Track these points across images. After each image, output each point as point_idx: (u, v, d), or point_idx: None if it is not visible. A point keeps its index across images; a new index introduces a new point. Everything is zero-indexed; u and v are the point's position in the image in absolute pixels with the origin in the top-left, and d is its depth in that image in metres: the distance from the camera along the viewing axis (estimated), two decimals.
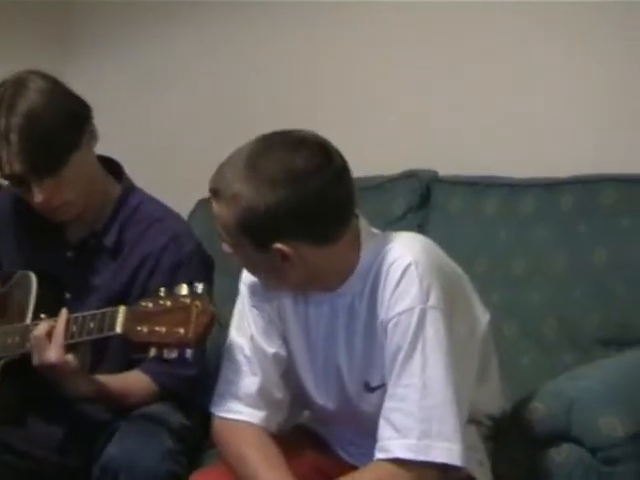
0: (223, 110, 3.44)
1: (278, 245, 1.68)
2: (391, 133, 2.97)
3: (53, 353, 1.92)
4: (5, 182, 2.15)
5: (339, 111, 3.06)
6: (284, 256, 1.69)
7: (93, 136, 2.15)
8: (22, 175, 2.04)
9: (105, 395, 2.04)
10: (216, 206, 1.74)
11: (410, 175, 2.73)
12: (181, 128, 3.58)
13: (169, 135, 3.61)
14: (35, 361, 1.96)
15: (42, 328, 1.96)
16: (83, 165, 2.11)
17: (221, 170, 1.74)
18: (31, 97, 2.04)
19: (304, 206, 1.66)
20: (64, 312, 1.96)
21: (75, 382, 1.98)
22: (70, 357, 1.93)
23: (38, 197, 2.06)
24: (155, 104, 3.65)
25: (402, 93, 2.96)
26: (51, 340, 1.94)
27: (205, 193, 2.92)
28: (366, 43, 3.06)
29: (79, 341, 1.93)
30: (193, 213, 3.11)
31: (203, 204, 3.03)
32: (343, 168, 1.73)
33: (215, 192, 1.73)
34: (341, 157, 1.73)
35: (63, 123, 2.05)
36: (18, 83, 2.07)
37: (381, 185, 2.74)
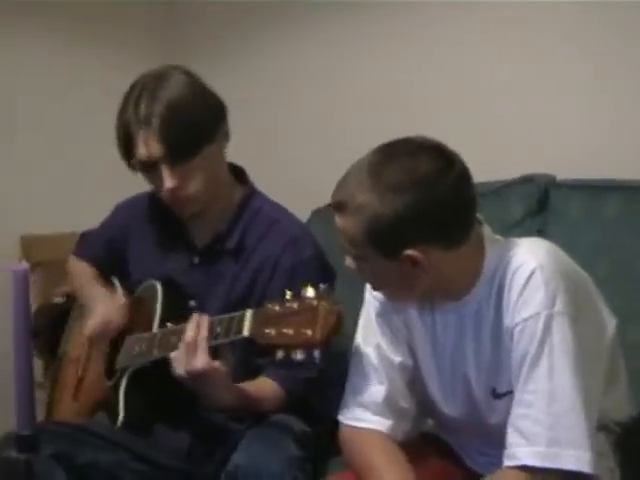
0: (339, 120, 3.45)
1: (408, 251, 1.68)
2: (507, 138, 2.95)
3: (200, 360, 1.89)
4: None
5: (455, 117, 3.04)
6: (414, 262, 1.69)
7: (226, 135, 2.19)
8: (157, 159, 2.08)
9: (245, 404, 2.03)
10: (340, 220, 1.74)
11: (527, 180, 2.71)
12: (297, 138, 3.62)
13: (284, 145, 3.65)
14: (180, 370, 1.92)
15: (189, 335, 1.91)
16: (213, 160, 2.15)
17: (343, 183, 1.74)
18: (172, 89, 2.09)
19: (431, 210, 1.66)
20: (204, 316, 1.95)
21: (219, 390, 1.95)
22: (217, 363, 1.90)
23: (168, 182, 2.09)
24: (270, 113, 3.70)
25: (518, 98, 2.94)
26: (195, 347, 1.90)
27: (319, 203, 2.99)
28: (483, 48, 3.04)
29: (214, 345, 1.92)
30: (308, 223, 3.10)
31: (318, 214, 3.05)
32: (464, 170, 1.73)
33: (339, 205, 1.73)
34: (461, 160, 1.74)
35: (201, 116, 2.10)
36: (160, 76, 2.13)
37: (498, 190, 2.71)
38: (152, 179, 2.16)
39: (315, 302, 1.72)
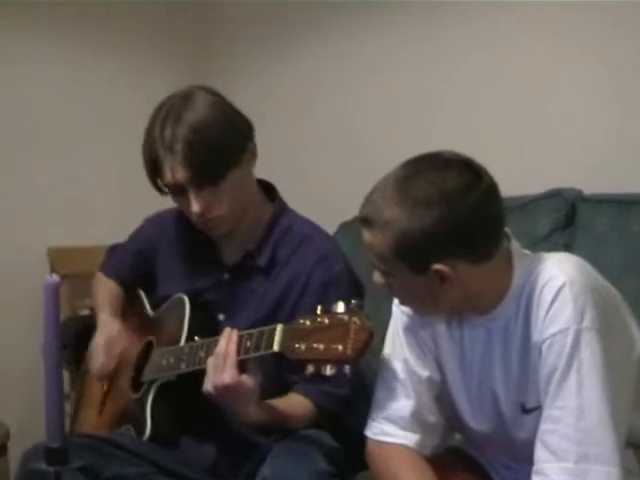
0: (366, 133, 3.45)
1: (437, 266, 1.68)
2: (534, 152, 2.95)
3: (227, 374, 1.88)
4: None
5: (481, 131, 3.04)
6: (442, 277, 1.69)
7: (253, 155, 2.18)
8: (183, 184, 2.08)
9: (274, 420, 2.02)
10: (368, 235, 1.73)
11: (555, 194, 2.70)
12: (323, 151, 3.62)
13: (310, 158, 3.64)
14: (208, 386, 1.92)
15: (219, 349, 1.91)
16: (241, 181, 2.14)
17: (370, 198, 1.74)
18: (198, 110, 2.08)
19: (459, 224, 1.66)
20: (234, 331, 1.94)
21: (248, 406, 1.95)
22: (245, 377, 1.90)
23: (195, 206, 2.10)
24: (296, 126, 3.70)
25: (545, 111, 2.93)
26: (225, 361, 1.90)
27: (347, 217, 2.99)
28: (508, 59, 3.04)
29: (243, 359, 1.91)
30: (335, 237, 3.09)
31: (345, 227, 3.06)
32: (492, 185, 1.73)
33: (366, 221, 1.73)
34: (489, 175, 1.73)
35: (227, 138, 2.09)
36: (186, 96, 2.12)
37: (525, 205, 2.70)
38: (180, 202, 2.17)
39: (346, 317, 1.72)
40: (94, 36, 3.71)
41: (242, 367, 1.91)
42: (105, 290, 2.51)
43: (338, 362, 1.72)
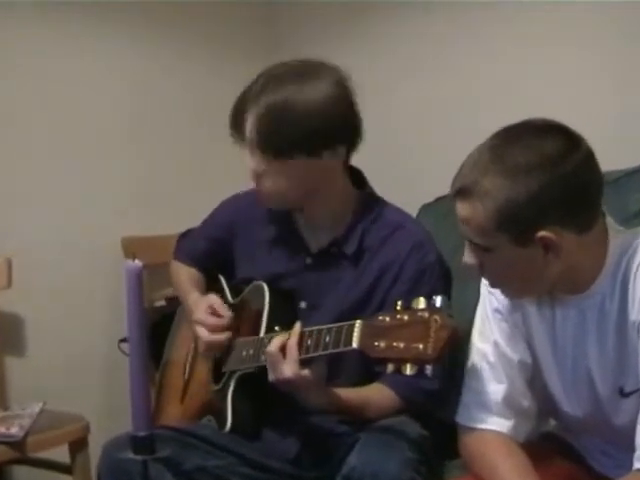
0: (446, 113, 3.38)
1: (542, 233, 1.61)
2: (625, 126, 2.86)
3: (288, 368, 1.88)
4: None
5: (570, 105, 2.95)
6: (547, 245, 1.63)
7: (336, 156, 2.12)
8: (251, 139, 2.07)
9: (343, 408, 2.02)
10: (466, 207, 1.66)
11: None
12: (402, 133, 3.56)
13: (390, 141, 3.59)
14: (270, 377, 1.94)
15: (275, 344, 1.92)
16: (310, 173, 2.10)
17: (465, 169, 1.68)
18: (311, 91, 2.04)
19: (563, 188, 1.60)
20: (297, 326, 1.94)
21: (311, 395, 1.96)
22: (306, 372, 1.89)
23: (250, 163, 2.10)
24: (375, 108, 3.63)
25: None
26: (285, 355, 1.90)
27: (428, 198, 2.94)
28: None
29: (313, 356, 1.90)
30: (417, 218, 3.06)
31: (427, 209, 2.99)
32: (590, 150, 1.67)
33: (463, 192, 1.66)
34: (585, 140, 1.67)
35: (316, 126, 2.04)
36: (311, 69, 2.09)
37: (617, 180, 2.60)
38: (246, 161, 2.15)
39: (426, 315, 1.65)
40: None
41: (309, 360, 1.91)
42: (186, 276, 2.48)
43: (418, 362, 1.65)
